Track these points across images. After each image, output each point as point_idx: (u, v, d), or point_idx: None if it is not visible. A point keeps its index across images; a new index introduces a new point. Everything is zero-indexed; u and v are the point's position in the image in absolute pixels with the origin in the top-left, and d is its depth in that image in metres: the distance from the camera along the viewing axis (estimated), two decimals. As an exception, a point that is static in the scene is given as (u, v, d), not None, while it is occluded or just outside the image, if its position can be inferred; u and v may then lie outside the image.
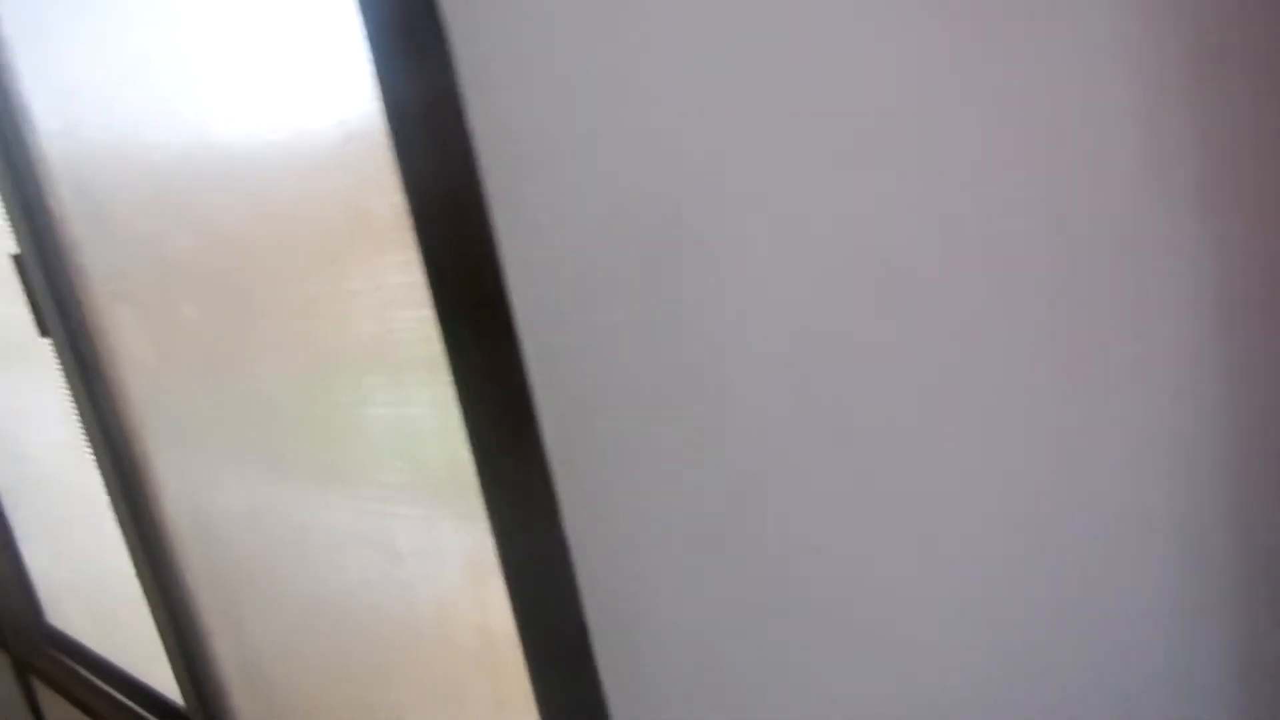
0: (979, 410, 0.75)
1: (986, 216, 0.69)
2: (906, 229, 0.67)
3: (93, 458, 1.52)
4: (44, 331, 1.44)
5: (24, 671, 2.23)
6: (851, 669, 0.78)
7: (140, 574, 1.58)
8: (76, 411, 1.48)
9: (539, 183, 0.72)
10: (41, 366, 1.64)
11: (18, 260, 1.40)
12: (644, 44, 0.67)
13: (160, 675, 1.80)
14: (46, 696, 2.17)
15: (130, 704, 1.94)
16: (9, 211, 1.38)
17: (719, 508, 0.71)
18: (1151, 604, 0.80)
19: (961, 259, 0.67)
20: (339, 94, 0.91)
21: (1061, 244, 0.79)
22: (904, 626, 0.77)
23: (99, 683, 2.02)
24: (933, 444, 0.71)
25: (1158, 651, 0.74)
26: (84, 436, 1.52)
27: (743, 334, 0.66)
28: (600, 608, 0.80)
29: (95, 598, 2.02)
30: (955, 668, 0.78)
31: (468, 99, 0.71)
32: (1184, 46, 0.84)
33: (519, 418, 0.80)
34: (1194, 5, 0.85)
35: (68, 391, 1.49)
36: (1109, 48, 0.82)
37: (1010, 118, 0.74)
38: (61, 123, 1.29)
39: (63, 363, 1.44)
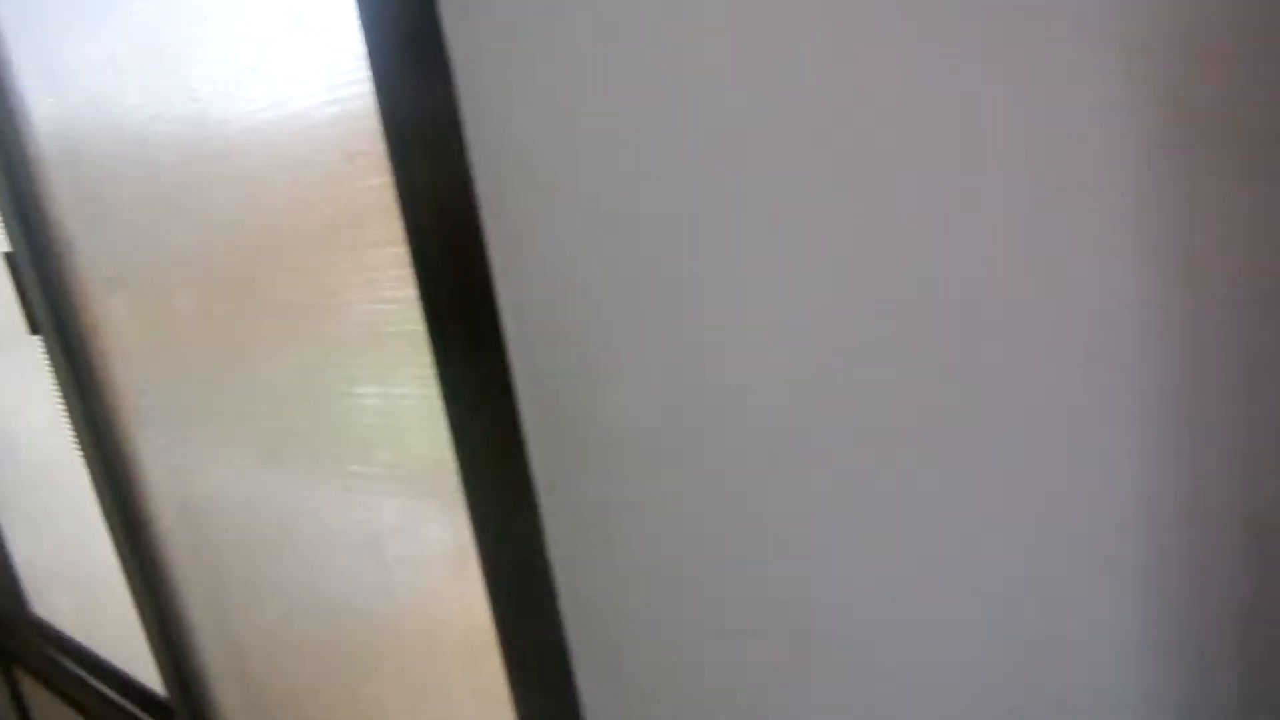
0: (977, 418, 0.77)
1: (982, 220, 0.72)
2: (905, 237, 0.69)
3: (79, 450, 1.54)
4: (34, 329, 1.46)
5: (8, 661, 2.24)
6: (830, 685, 0.80)
7: (125, 566, 1.60)
8: (64, 406, 1.50)
9: (530, 179, 0.73)
10: (29, 361, 1.66)
11: (9, 258, 1.42)
12: (646, 46, 0.69)
13: (144, 667, 1.82)
14: (30, 686, 2.19)
15: (113, 695, 1.96)
16: (2, 210, 1.39)
17: (703, 511, 0.73)
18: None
19: (958, 261, 0.70)
20: (332, 83, 0.93)
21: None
22: (885, 646, 0.79)
23: (83, 673, 2.03)
24: (928, 452, 0.73)
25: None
26: (70, 429, 1.54)
27: (737, 338, 0.68)
28: (579, 607, 0.83)
29: (80, 589, 2.03)
30: (938, 678, 0.80)
31: (463, 97, 0.73)
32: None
33: (499, 409, 0.81)
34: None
35: (56, 387, 1.51)
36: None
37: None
38: (57, 117, 1.30)
39: (52, 359, 1.46)
